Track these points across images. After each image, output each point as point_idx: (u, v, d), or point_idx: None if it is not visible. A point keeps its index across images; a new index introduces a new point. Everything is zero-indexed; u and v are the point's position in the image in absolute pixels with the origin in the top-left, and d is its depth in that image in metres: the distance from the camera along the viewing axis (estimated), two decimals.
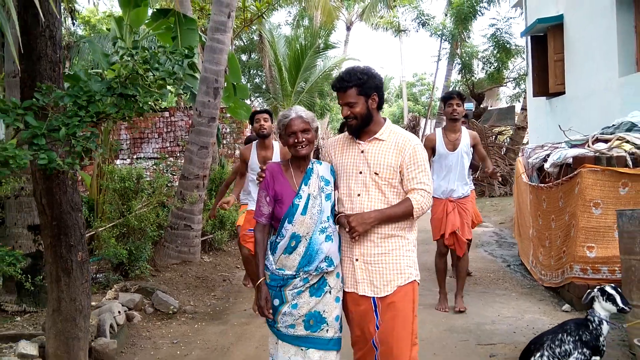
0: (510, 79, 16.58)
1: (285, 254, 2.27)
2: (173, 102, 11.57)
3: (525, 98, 12.85)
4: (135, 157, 10.51)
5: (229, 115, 9.09)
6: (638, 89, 5.71)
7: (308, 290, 2.27)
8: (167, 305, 4.50)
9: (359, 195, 2.29)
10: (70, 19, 11.11)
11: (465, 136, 4.38)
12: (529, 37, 9.00)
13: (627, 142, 4.28)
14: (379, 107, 2.34)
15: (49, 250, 2.77)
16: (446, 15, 16.55)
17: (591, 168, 4.13)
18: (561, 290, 4.59)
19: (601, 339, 2.73)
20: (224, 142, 10.54)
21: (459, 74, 16.98)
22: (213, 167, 7.56)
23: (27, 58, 2.49)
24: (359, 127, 2.31)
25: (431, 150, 4.33)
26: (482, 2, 15.33)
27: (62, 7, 3.09)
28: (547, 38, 8.22)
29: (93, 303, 3.66)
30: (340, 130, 5.19)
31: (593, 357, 2.75)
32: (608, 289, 2.76)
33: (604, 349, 2.77)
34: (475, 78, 16.44)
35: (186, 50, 2.33)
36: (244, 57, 20.44)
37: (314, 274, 2.25)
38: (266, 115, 4.40)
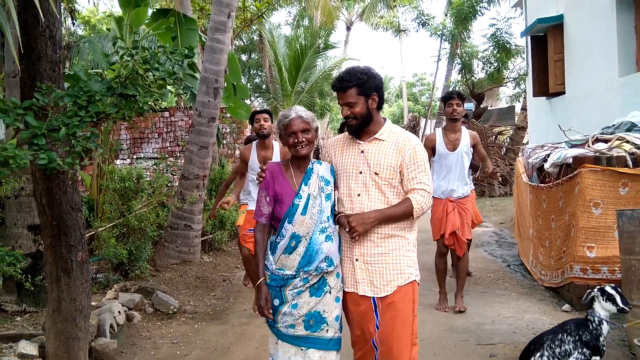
0: (510, 79, 16.59)
1: (285, 254, 2.27)
2: (173, 102, 11.57)
3: (525, 98, 12.86)
4: (135, 157, 10.51)
5: (229, 115, 9.09)
6: (638, 89, 5.71)
7: (308, 290, 2.27)
8: (167, 305, 4.50)
9: (359, 195, 2.29)
10: (70, 19, 11.11)
11: (466, 136, 4.37)
12: (529, 37, 9.00)
13: (627, 142, 4.28)
14: (379, 107, 2.34)
15: (49, 250, 2.77)
16: (446, 15, 16.56)
17: (591, 168, 4.13)
18: (561, 290, 4.59)
19: (601, 339, 2.73)
20: (224, 142, 10.54)
21: (459, 74, 16.98)
22: (213, 167, 7.56)
23: (27, 58, 2.49)
24: (359, 127, 2.31)
25: (431, 150, 4.32)
26: (482, 2, 15.33)
27: (62, 7, 3.09)
28: (547, 38, 8.22)
29: (93, 303, 3.66)
30: (340, 131, 5.19)
31: (593, 357, 2.75)
32: (608, 289, 2.76)
33: (604, 349, 2.77)
34: (475, 78, 16.44)
35: (186, 51, 2.33)
36: (244, 57, 20.44)
37: (314, 274, 2.25)
38: (266, 116, 4.40)
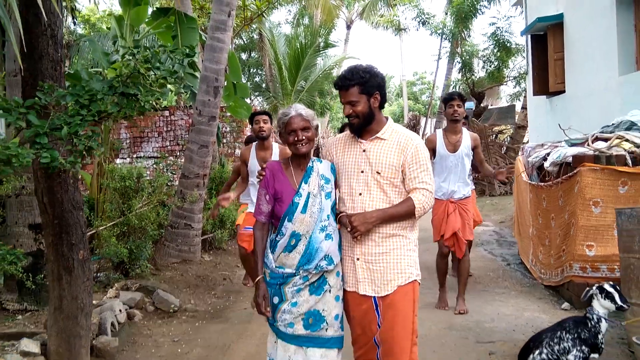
0: (510, 78, 16.59)
1: (285, 253, 2.27)
2: (173, 101, 11.57)
3: (525, 97, 12.86)
4: (135, 156, 10.51)
5: (229, 114, 9.10)
6: (638, 88, 5.72)
7: (308, 289, 2.26)
8: (168, 303, 4.51)
9: (360, 194, 2.29)
10: (70, 17, 11.11)
11: (466, 138, 4.35)
12: (529, 36, 9.01)
13: (627, 140, 4.29)
14: (381, 106, 2.33)
15: (50, 248, 2.79)
16: (446, 14, 16.55)
17: (591, 167, 4.14)
18: (560, 288, 4.60)
19: (600, 336, 2.75)
20: (224, 141, 10.54)
21: (459, 72, 16.99)
22: (213, 166, 7.57)
23: (29, 57, 2.50)
24: (361, 126, 2.30)
25: (432, 151, 4.29)
26: (483, 0, 15.33)
27: (63, 6, 3.10)
28: (547, 37, 8.23)
29: (94, 301, 3.67)
30: (341, 132, 5.19)
31: (592, 355, 2.76)
32: (607, 286, 2.77)
33: (603, 346, 2.78)
34: (476, 77, 16.44)
35: (187, 50, 2.34)
36: (243, 56, 20.45)
37: (314, 272, 2.25)
38: (265, 117, 4.41)
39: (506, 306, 4.43)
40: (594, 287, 2.83)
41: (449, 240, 4.32)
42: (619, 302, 2.74)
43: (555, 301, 4.52)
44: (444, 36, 16.50)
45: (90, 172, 6.16)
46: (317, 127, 2.37)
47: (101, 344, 3.38)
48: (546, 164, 4.91)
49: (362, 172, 2.30)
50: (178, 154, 10.25)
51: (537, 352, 2.83)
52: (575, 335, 2.76)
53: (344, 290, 2.36)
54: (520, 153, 7.08)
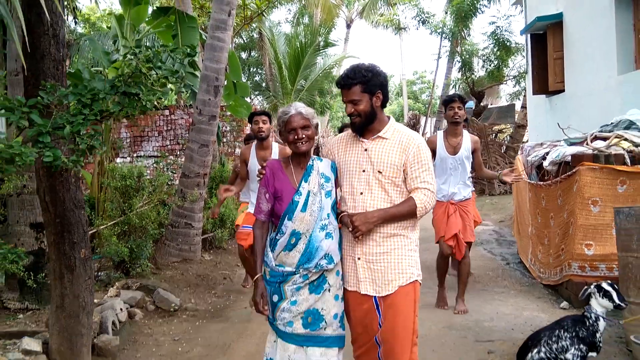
0: (510, 77, 16.60)
1: (285, 251, 2.27)
2: (173, 100, 11.58)
3: (525, 96, 12.88)
4: (135, 155, 10.52)
5: (229, 113, 9.11)
6: (637, 87, 5.74)
7: (307, 287, 2.26)
8: (169, 302, 4.53)
9: (361, 193, 2.28)
10: (71, 17, 11.11)
11: (467, 140, 4.33)
12: (528, 35, 9.02)
13: (625, 140, 4.30)
14: (383, 105, 2.33)
15: (52, 247, 2.80)
16: (446, 13, 16.56)
17: (589, 166, 4.15)
18: (559, 287, 4.62)
19: (598, 335, 2.76)
20: (224, 140, 10.55)
21: (459, 71, 17.00)
22: (213, 165, 7.58)
23: (31, 57, 2.51)
24: (363, 125, 2.30)
25: (432, 152, 4.28)
26: None
27: (65, 6, 3.11)
28: (546, 36, 8.25)
29: (95, 300, 3.68)
30: (340, 132, 5.19)
31: (590, 353, 2.77)
32: (604, 285, 2.79)
33: (601, 345, 2.80)
34: (476, 76, 16.45)
35: (188, 49, 2.36)
36: (243, 55, 20.45)
37: (314, 271, 2.25)
38: (265, 117, 4.41)
39: (505, 305, 4.45)
40: (592, 286, 2.84)
41: (449, 241, 4.31)
42: (617, 301, 2.75)
43: (554, 300, 4.54)
44: (443, 35, 16.51)
45: (90, 172, 6.17)
46: (317, 125, 2.37)
47: (102, 342, 3.40)
48: (545, 163, 4.93)
49: (364, 171, 2.29)
50: (178, 153, 10.26)
51: (535, 350, 2.85)
52: (574, 333, 2.78)
53: (345, 290, 2.35)
54: (519, 152, 7.10)
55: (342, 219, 2.32)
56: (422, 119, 20.86)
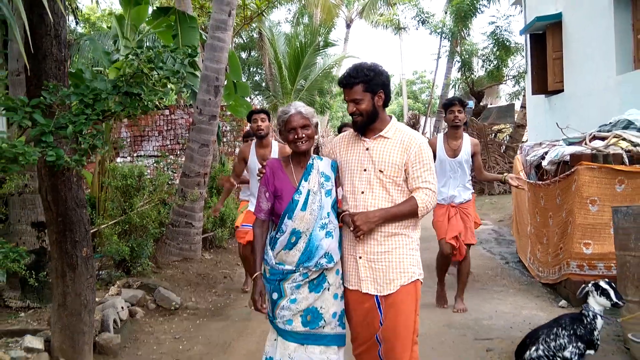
0: (509, 77, 16.63)
1: (285, 250, 2.28)
2: (173, 100, 11.60)
3: (524, 96, 12.90)
4: (135, 154, 10.54)
5: (229, 113, 9.13)
6: (635, 87, 5.76)
7: (307, 286, 2.27)
8: (169, 301, 4.55)
9: (362, 192, 2.28)
10: (72, 17, 11.13)
11: (467, 143, 4.32)
12: (528, 35, 9.04)
13: (624, 139, 4.32)
14: (385, 104, 2.33)
15: (54, 246, 2.82)
16: (446, 13, 16.59)
17: (588, 165, 4.17)
18: (558, 286, 4.64)
19: (595, 333, 2.78)
20: (224, 140, 10.57)
21: (458, 71, 17.03)
22: (214, 165, 7.60)
23: (33, 57, 2.53)
24: (365, 124, 2.30)
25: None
26: None
27: (66, 6, 3.14)
28: (546, 36, 8.27)
29: (96, 299, 3.70)
30: (340, 131, 5.21)
31: (587, 351, 2.79)
32: (602, 284, 2.81)
33: (599, 343, 2.82)
34: (475, 76, 16.47)
35: (189, 50, 2.38)
36: (243, 55, 20.45)
37: (314, 269, 2.26)
38: (263, 116, 4.42)
39: (504, 304, 4.47)
40: (590, 284, 2.86)
41: (452, 240, 4.31)
42: (614, 299, 2.77)
43: (552, 299, 4.56)
44: (443, 35, 16.55)
45: (91, 171, 6.19)
46: (316, 124, 2.37)
47: (104, 340, 3.42)
48: (544, 163, 4.95)
49: (365, 170, 2.29)
50: (178, 152, 10.27)
51: (533, 348, 2.87)
52: (571, 331, 2.80)
53: (346, 289, 2.36)
54: (518, 152, 7.12)
55: (343, 218, 2.32)
56: (422, 119, 20.88)
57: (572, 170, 4.29)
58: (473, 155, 4.38)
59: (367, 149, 2.31)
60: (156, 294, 4.60)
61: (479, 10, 15.40)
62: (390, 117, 2.39)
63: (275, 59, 15.74)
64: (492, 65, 15.31)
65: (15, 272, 3.71)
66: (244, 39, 19.75)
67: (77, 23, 12.38)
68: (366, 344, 2.35)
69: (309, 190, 2.30)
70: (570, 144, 4.77)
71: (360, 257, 2.30)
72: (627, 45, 6.15)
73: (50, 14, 2.30)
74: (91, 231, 4.75)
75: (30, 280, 3.78)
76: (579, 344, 2.76)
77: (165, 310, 4.50)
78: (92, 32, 13.40)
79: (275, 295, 2.29)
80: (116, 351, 3.47)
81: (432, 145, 4.36)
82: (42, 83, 2.37)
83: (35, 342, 3.04)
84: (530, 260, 5.39)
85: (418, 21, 16.84)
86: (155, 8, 7.50)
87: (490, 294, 4.81)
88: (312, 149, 2.42)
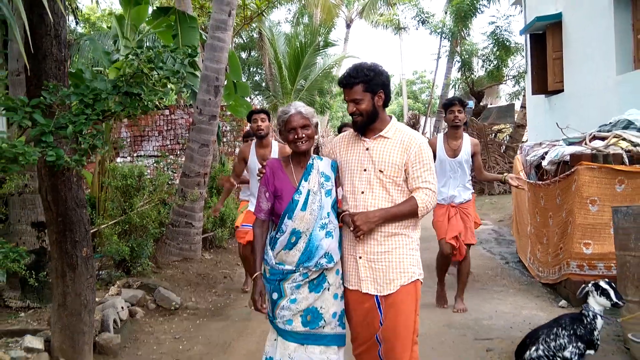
0: (509, 77, 16.64)
1: (285, 250, 2.28)
2: (173, 100, 11.60)
3: (524, 96, 12.91)
4: (135, 154, 10.55)
5: (229, 113, 9.14)
6: (635, 87, 5.76)
7: (307, 286, 2.27)
8: (169, 301, 4.55)
9: (362, 192, 2.28)
10: (72, 17, 11.13)
11: (467, 144, 4.32)
12: (528, 35, 9.04)
13: (624, 139, 4.32)
14: (385, 104, 2.33)
15: (54, 246, 2.82)
16: (446, 13, 16.59)
17: (588, 165, 4.17)
18: (558, 286, 4.64)
19: (595, 333, 2.78)
20: (225, 140, 10.57)
21: (458, 71, 17.03)
22: (214, 165, 7.61)
23: (33, 57, 2.53)
24: (365, 124, 2.30)
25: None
26: None
27: (67, 5, 3.14)
28: (546, 36, 8.27)
29: (96, 299, 3.70)
30: (339, 131, 5.21)
31: (587, 351, 2.80)
32: (602, 283, 2.81)
33: (599, 343, 2.82)
34: (475, 76, 16.48)
35: (189, 50, 2.38)
36: (243, 55, 20.46)
37: (314, 269, 2.26)
38: (263, 116, 4.42)
39: (504, 304, 4.47)
40: (590, 284, 2.86)
41: (452, 240, 4.30)
42: (614, 299, 2.77)
43: (552, 299, 4.56)
44: (443, 35, 16.56)
45: (91, 171, 6.20)
46: (316, 124, 2.37)
47: (104, 340, 3.42)
48: (544, 163, 4.95)
49: (365, 170, 2.29)
50: (178, 152, 10.27)
51: (533, 348, 2.87)
52: (571, 331, 2.80)
53: (346, 289, 2.36)
54: (518, 152, 7.12)
55: (343, 218, 2.32)
56: (422, 119, 20.89)
57: (572, 170, 4.29)
58: (473, 155, 4.38)
59: (367, 149, 2.31)
60: (156, 294, 4.60)
61: (479, 10, 15.40)
62: (390, 117, 2.39)
63: (275, 59, 15.74)
64: (492, 65, 15.32)
65: (15, 272, 3.71)
66: (244, 39, 19.76)
67: (77, 23, 12.38)
68: (366, 344, 2.35)
69: (309, 190, 2.30)
70: (570, 144, 4.77)
71: (360, 257, 2.30)
72: (627, 45, 6.15)
73: (50, 14, 2.31)
74: (91, 231, 4.77)
75: (30, 280, 3.79)
76: (579, 344, 2.77)
77: (165, 310, 4.50)
78: (92, 32, 13.41)
79: (275, 295, 2.29)
80: (116, 351, 3.47)
81: (432, 145, 4.36)
82: (42, 83, 2.37)
83: (35, 342, 3.04)
84: (530, 260, 5.39)
85: (418, 21, 16.86)
86: (155, 8, 7.51)
87: (490, 294, 4.81)
88: (312, 149, 2.42)
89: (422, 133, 18.25)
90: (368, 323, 2.32)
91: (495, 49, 14.92)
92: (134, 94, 2.18)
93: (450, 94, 17.78)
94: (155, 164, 8.89)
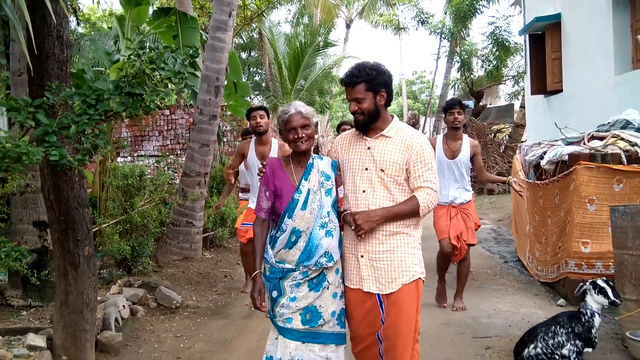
0: (509, 77, 16.66)
1: (285, 249, 2.30)
2: (174, 100, 11.63)
3: (523, 96, 12.93)
4: (136, 154, 10.57)
5: (229, 113, 9.16)
6: (634, 87, 5.78)
7: (307, 284, 2.28)
8: (170, 300, 4.57)
9: (364, 191, 2.29)
10: (74, 17, 11.15)
11: (466, 145, 4.33)
12: (527, 36, 9.06)
13: (622, 139, 4.35)
14: (387, 103, 2.34)
15: (56, 244, 2.85)
16: (445, 13, 16.63)
17: (586, 165, 4.19)
18: (556, 285, 4.67)
19: (593, 331, 2.81)
20: (225, 139, 10.59)
21: (458, 72, 17.06)
22: (214, 164, 7.63)
23: (36, 58, 2.55)
24: (366, 123, 2.31)
25: None
26: (481, 0, 15.38)
27: (69, 6, 3.16)
28: (545, 36, 8.29)
29: (98, 297, 3.73)
30: (338, 130, 5.23)
31: (585, 349, 2.82)
32: (600, 282, 2.83)
33: (596, 340, 2.85)
34: (475, 76, 16.51)
35: (191, 50, 2.40)
36: (243, 55, 20.48)
37: (314, 268, 2.28)
38: (262, 112, 4.41)
39: (503, 302, 4.50)
40: (587, 283, 2.89)
41: (453, 240, 4.31)
42: (612, 297, 2.80)
43: (551, 297, 4.58)
44: (443, 35, 16.59)
45: (92, 171, 6.22)
46: (316, 124, 2.38)
47: (105, 338, 3.44)
48: (543, 163, 4.97)
49: (366, 169, 2.30)
50: (179, 152, 10.29)
51: (531, 346, 2.90)
52: (569, 329, 2.82)
53: (347, 287, 2.36)
54: (517, 152, 7.15)
55: (344, 217, 2.33)
56: (422, 119, 20.91)
57: (571, 169, 4.31)
58: (473, 157, 4.39)
59: (369, 148, 2.32)
60: (157, 293, 4.63)
61: (478, 10, 15.44)
62: (392, 116, 2.39)
63: (275, 59, 15.76)
64: (491, 65, 15.35)
65: (17, 271, 3.73)
66: (244, 39, 19.77)
67: (77, 23, 12.41)
68: (367, 342, 2.36)
69: (309, 190, 2.31)
70: (569, 143, 4.80)
71: (362, 256, 2.30)
72: (626, 45, 6.17)
73: (52, 15, 2.33)
74: (92, 230, 4.80)
75: (32, 279, 3.80)
76: (577, 341, 2.79)
77: (166, 309, 4.52)
78: (92, 33, 13.43)
79: (275, 294, 2.30)
80: (118, 349, 3.49)
81: (432, 145, 4.34)
82: (45, 83, 2.39)
83: (38, 340, 3.06)
84: (529, 259, 5.42)
85: (418, 21, 16.89)
86: (155, 8, 7.52)
87: (489, 292, 4.84)
88: (312, 148, 2.44)
89: (422, 132, 18.24)
90: (369, 321, 2.32)
91: (494, 49, 14.95)
92: (136, 94, 2.20)
93: (450, 94, 17.81)
94: (155, 164, 8.92)
